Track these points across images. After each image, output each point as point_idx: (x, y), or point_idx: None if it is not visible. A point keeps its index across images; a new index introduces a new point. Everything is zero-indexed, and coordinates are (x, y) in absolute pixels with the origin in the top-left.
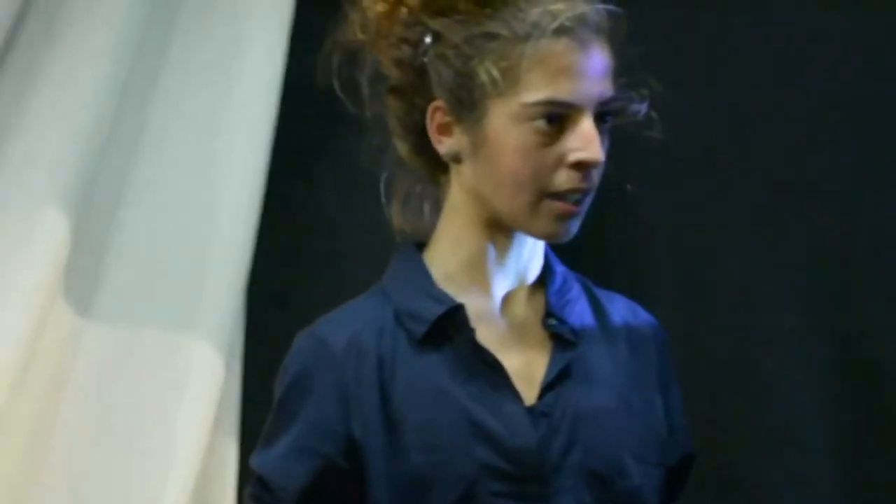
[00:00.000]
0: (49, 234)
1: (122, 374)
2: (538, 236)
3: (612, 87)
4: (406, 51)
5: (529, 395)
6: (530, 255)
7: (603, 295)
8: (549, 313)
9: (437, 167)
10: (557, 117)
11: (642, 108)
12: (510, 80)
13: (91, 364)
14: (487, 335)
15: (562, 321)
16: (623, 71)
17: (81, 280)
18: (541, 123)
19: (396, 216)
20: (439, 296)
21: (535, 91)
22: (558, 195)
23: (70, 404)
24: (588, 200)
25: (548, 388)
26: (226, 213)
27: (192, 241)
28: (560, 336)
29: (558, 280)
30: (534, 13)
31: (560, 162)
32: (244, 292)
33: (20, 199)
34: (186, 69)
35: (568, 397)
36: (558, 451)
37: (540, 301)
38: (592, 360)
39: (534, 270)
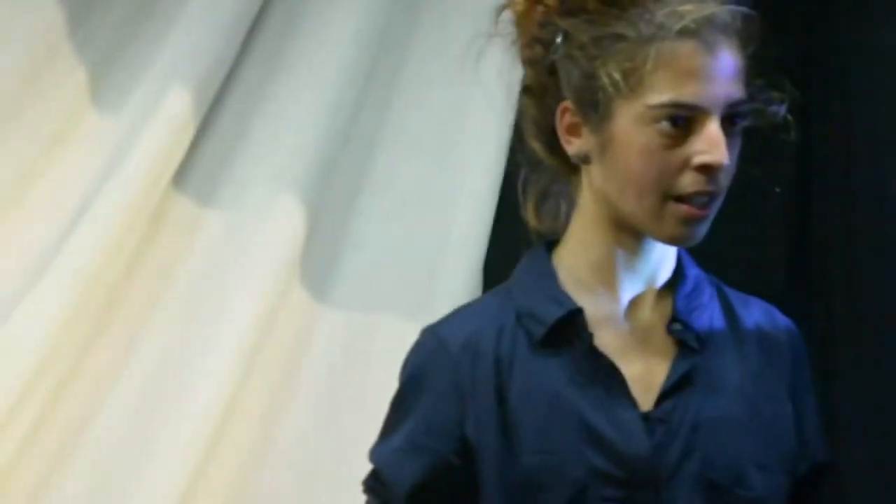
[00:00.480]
0: (287, 221)
1: (357, 361)
2: (663, 240)
3: (742, 89)
4: (538, 50)
5: (648, 401)
6: (660, 258)
7: (738, 299)
8: (674, 318)
9: (570, 168)
10: (683, 119)
11: (779, 110)
12: (634, 81)
13: (326, 350)
14: (609, 340)
15: (687, 326)
16: (758, 73)
17: (318, 267)
18: (665, 125)
19: (531, 216)
20: (561, 298)
21: (660, 93)
22: (683, 198)
23: (303, 389)
24: (716, 205)
25: (666, 394)
26: (463, 204)
27: (429, 230)
28: (684, 342)
29: (689, 284)
30: (660, 14)
31: (685, 164)
32: (481, 282)
33: (260, 184)
34: (428, 61)
35: (687, 405)
36: (674, 458)
37: (668, 305)
38: (718, 368)
39: (664, 274)
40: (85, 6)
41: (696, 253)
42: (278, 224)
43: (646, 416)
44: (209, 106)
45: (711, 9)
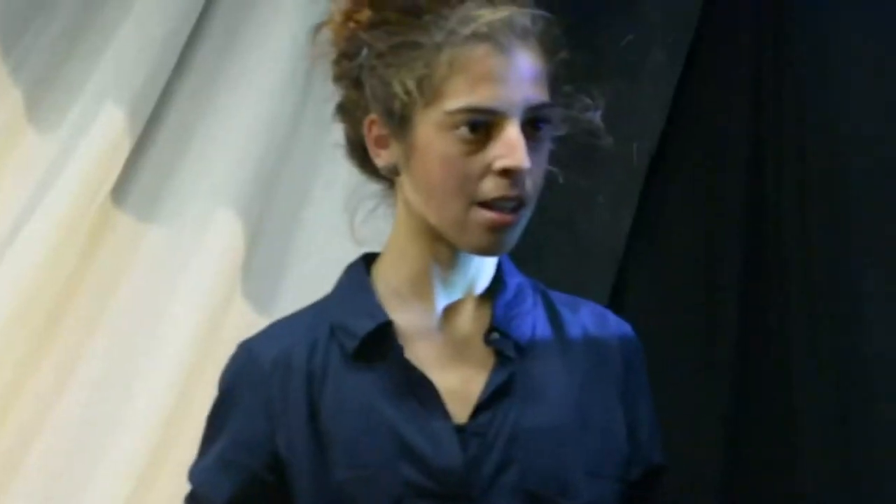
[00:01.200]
0: (227, 234)
1: None
2: (470, 250)
3: (544, 93)
4: (345, 65)
5: (464, 413)
6: (478, 268)
7: (567, 304)
8: (492, 328)
9: (388, 182)
10: (482, 124)
11: (590, 116)
12: (430, 88)
13: None
14: (424, 352)
15: (505, 335)
16: (568, 79)
17: (260, 279)
18: (464, 131)
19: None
20: (374, 311)
21: (456, 98)
22: (487, 204)
23: None
24: (525, 213)
25: (483, 406)
26: None
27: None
28: (502, 352)
29: (509, 292)
30: (454, 19)
31: (487, 170)
32: None
33: (199, 198)
34: None
35: (506, 415)
36: (490, 470)
37: (487, 314)
38: (542, 376)
39: (483, 282)
40: (18, 27)
41: (652, 243)
42: (218, 237)
43: (460, 429)
44: (146, 121)
45: (504, 13)
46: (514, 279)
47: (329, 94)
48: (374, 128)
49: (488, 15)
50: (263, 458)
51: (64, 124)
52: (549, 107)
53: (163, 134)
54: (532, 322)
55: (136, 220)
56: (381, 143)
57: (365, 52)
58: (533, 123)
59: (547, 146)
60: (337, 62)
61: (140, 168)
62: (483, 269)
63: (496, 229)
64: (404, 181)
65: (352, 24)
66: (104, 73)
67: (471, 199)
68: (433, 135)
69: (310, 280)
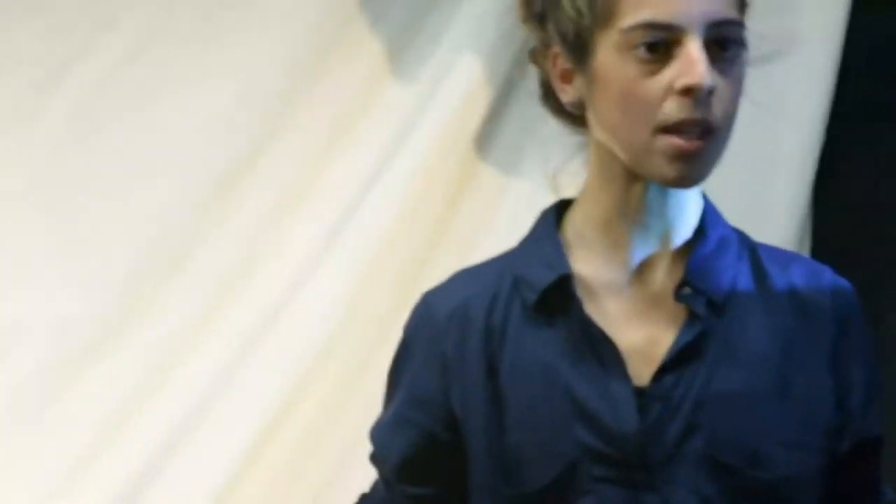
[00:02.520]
0: None
1: None
2: (657, 179)
3: (732, 10)
4: (527, 6)
5: (648, 375)
6: (676, 213)
7: (777, 259)
8: (684, 282)
9: (579, 122)
10: (661, 43)
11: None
12: (604, 5)
13: None
14: (611, 307)
15: (698, 290)
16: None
17: None
18: (642, 51)
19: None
20: (555, 261)
21: (632, 15)
22: (671, 128)
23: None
24: (715, 140)
25: (667, 367)
26: None
27: None
28: (693, 309)
29: (710, 244)
30: None
31: (668, 91)
32: None
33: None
34: None
35: (693, 378)
36: (673, 437)
37: (683, 268)
38: (738, 335)
39: (682, 233)
40: None
41: None
42: None
43: (641, 392)
44: (505, 73)
45: None
46: (718, 231)
47: None
48: (558, 62)
49: None
50: (439, 414)
51: (423, 75)
52: (735, 24)
53: (525, 87)
54: (732, 277)
55: (500, 172)
56: (566, 77)
57: None
58: (720, 44)
59: (740, 70)
60: (521, 5)
61: (503, 121)
62: (682, 216)
63: (682, 157)
64: (591, 116)
65: None
66: (462, 24)
67: (654, 125)
68: (612, 59)
69: None
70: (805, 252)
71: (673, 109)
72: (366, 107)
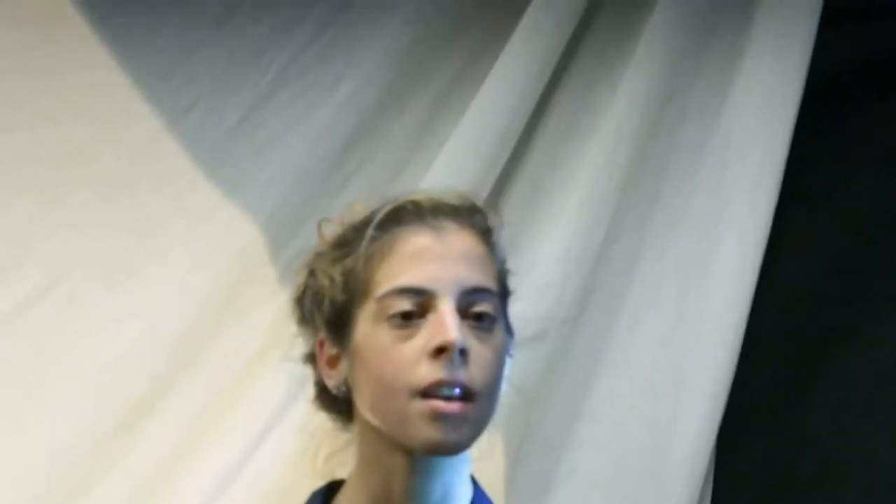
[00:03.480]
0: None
1: None
2: (419, 445)
3: (484, 278)
4: (299, 305)
5: None
6: (442, 495)
7: None
8: None
9: (346, 415)
10: (416, 311)
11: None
12: (364, 282)
13: None
14: None
15: None
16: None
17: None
18: (397, 319)
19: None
20: None
21: (388, 283)
22: (428, 391)
23: None
24: (477, 408)
25: None
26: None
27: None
28: None
29: None
30: (378, 212)
31: (422, 354)
32: None
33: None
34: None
35: None
36: None
37: None
38: None
39: None
40: None
41: None
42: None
43: None
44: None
45: (434, 197)
46: None
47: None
48: (325, 348)
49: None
50: None
51: None
52: (487, 292)
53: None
54: None
55: None
56: (332, 362)
57: (308, 277)
58: (476, 317)
59: (499, 342)
60: (295, 303)
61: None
62: (449, 500)
63: (441, 418)
64: (356, 397)
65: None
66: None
67: (410, 389)
68: (368, 329)
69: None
70: None
71: (427, 371)
72: (269, 352)
